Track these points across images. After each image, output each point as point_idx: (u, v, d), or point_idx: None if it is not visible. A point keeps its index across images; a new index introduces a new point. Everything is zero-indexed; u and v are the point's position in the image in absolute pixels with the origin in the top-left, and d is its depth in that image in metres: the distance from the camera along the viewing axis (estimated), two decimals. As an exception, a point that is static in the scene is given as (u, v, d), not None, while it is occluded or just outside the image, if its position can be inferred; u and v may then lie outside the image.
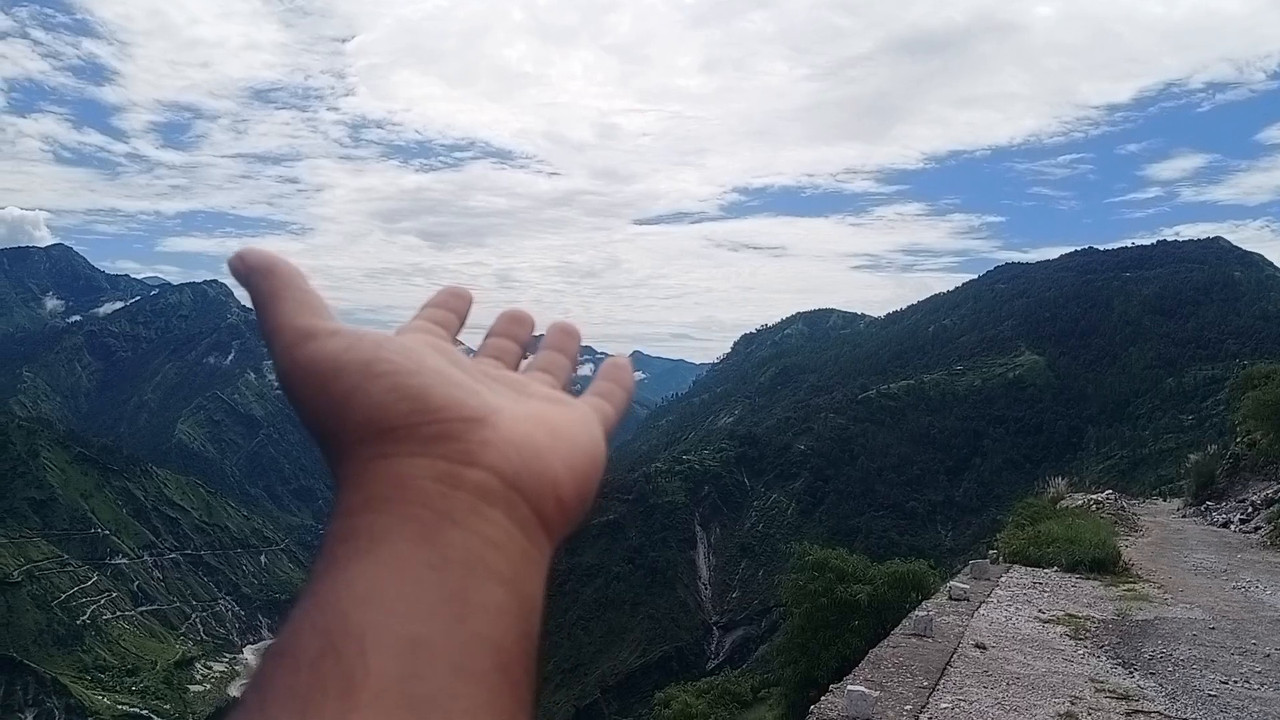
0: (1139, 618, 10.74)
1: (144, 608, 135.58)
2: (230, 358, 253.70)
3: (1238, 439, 33.22)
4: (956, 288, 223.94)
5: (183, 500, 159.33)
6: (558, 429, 0.50)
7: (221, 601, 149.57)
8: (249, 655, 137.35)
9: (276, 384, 0.50)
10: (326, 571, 0.41)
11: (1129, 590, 12.42)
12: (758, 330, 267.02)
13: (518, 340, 0.65)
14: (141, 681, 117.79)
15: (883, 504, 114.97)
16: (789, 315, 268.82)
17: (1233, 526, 26.42)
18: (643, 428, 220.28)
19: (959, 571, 14.35)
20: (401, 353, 0.48)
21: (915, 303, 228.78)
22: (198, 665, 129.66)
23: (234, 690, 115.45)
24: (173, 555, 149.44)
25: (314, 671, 0.37)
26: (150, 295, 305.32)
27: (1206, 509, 30.23)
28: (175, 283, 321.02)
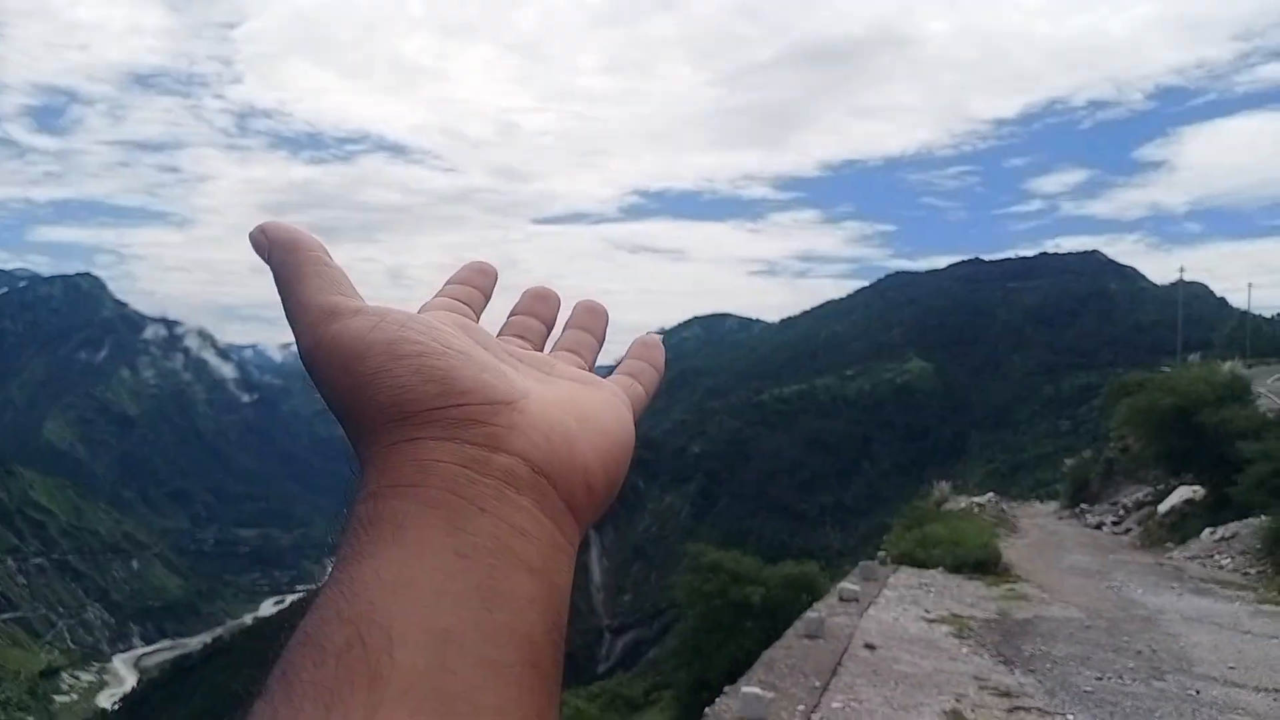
0: (1019, 617, 11.05)
1: (6, 615, 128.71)
2: (103, 354, 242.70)
3: (1111, 444, 34.76)
4: (849, 294, 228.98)
5: (49, 502, 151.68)
6: (587, 413, 0.48)
7: (90, 608, 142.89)
8: (119, 664, 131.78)
9: (301, 361, 0.48)
10: (352, 557, 0.40)
11: (1010, 590, 12.79)
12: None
13: (543, 319, 0.63)
14: (3, 692, 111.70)
15: (775, 506, 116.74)
16: (686, 319, 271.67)
17: (1106, 528, 27.60)
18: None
19: (849, 573, 14.58)
20: (427, 333, 0.47)
21: (809, 309, 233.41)
22: (64, 675, 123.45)
23: (103, 700, 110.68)
24: (38, 560, 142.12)
25: (341, 663, 0.36)
26: (18, 287, 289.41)
27: (1081, 511, 31.51)
28: (45, 274, 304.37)
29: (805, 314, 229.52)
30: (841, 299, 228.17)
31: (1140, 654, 9.41)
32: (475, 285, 0.61)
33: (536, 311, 0.63)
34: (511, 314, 0.63)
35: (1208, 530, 21.22)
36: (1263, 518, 19.35)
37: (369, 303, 0.49)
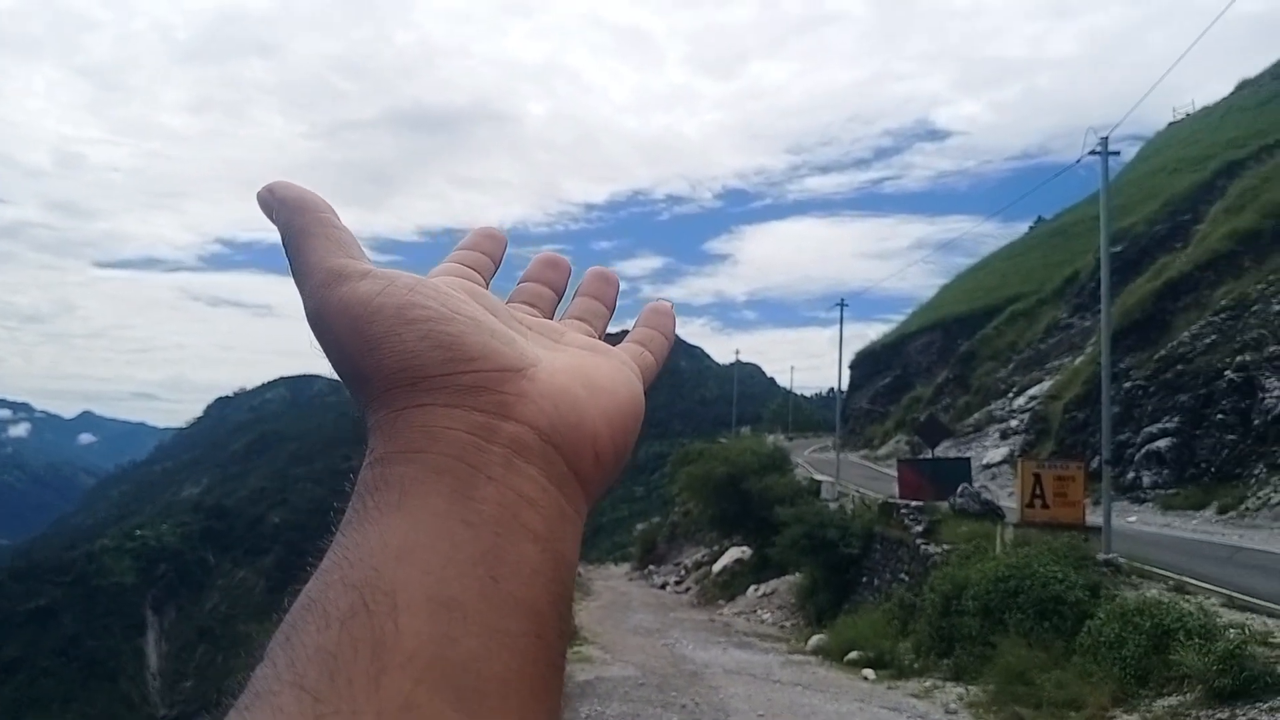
0: (580, 679, 11.38)
1: None
2: None
3: (676, 509, 37.59)
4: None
5: None
6: (596, 381, 0.47)
7: None
8: None
9: (309, 323, 0.48)
10: (357, 523, 0.39)
11: (575, 653, 13.15)
12: (235, 394, 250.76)
13: (553, 286, 0.62)
14: None
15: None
16: (271, 379, 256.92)
17: (669, 588, 29.63)
18: (89, 499, 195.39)
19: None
20: (436, 298, 0.46)
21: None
22: None
23: None
24: None
25: (345, 629, 0.35)
26: None
27: (649, 573, 33.61)
28: None
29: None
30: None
31: (685, 708, 10.05)
32: (485, 251, 0.60)
33: (547, 279, 0.62)
34: (521, 281, 0.62)
35: (752, 587, 23.50)
36: (796, 575, 21.80)
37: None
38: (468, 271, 0.56)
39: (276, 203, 0.52)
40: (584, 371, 0.48)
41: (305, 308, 0.48)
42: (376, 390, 0.44)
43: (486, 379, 0.43)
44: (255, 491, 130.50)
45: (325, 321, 0.46)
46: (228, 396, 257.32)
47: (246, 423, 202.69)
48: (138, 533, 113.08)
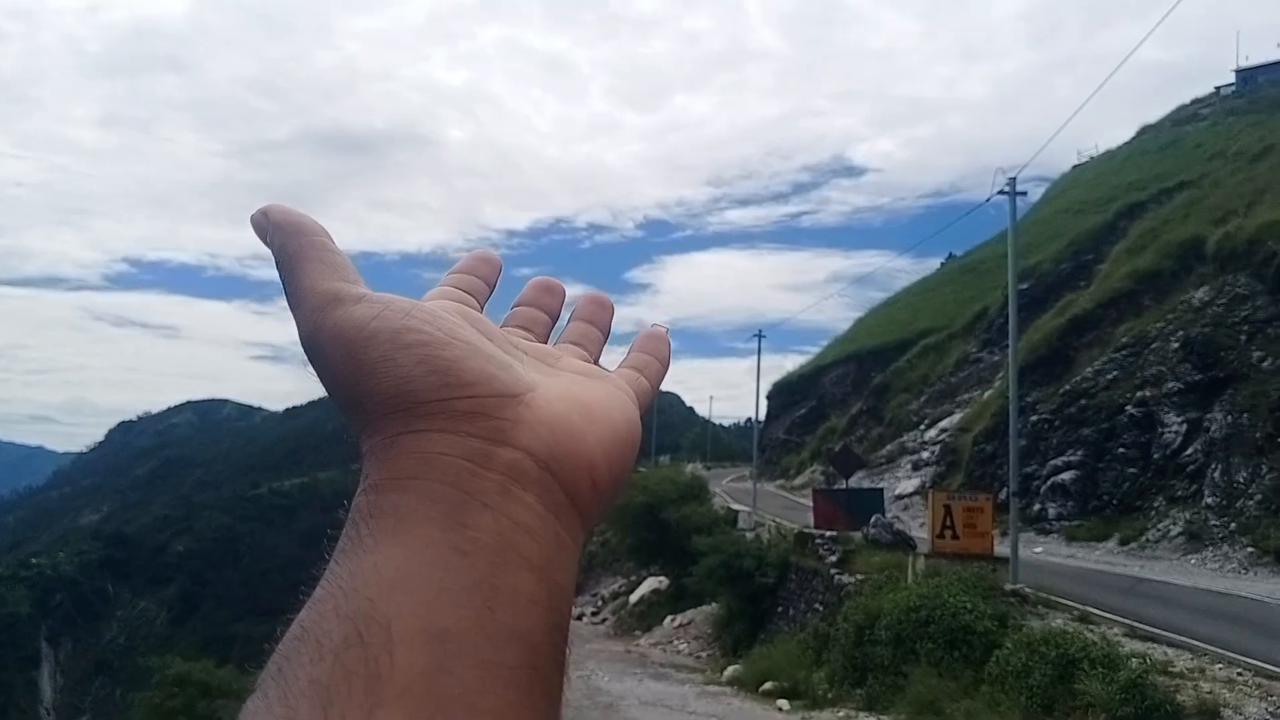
0: (494, 714, 11.22)
1: None
2: None
3: (593, 538, 37.41)
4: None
5: None
6: (592, 407, 0.47)
7: None
8: None
9: (302, 348, 0.47)
10: (352, 551, 0.39)
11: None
12: (139, 418, 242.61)
13: (548, 311, 0.62)
14: None
15: (266, 608, 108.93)
16: (178, 403, 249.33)
17: (585, 619, 29.41)
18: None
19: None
20: (432, 322, 0.45)
21: (317, 398, 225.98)
22: None
23: None
24: None
25: (339, 661, 0.35)
26: None
27: (565, 603, 33.33)
28: None
29: (312, 404, 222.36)
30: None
31: (600, 742, 9.95)
32: (479, 274, 0.60)
33: (541, 303, 0.62)
34: (516, 305, 0.62)
35: (669, 618, 23.44)
36: (713, 605, 21.82)
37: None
38: (463, 295, 0.56)
39: (271, 226, 0.51)
40: (580, 397, 0.47)
41: (299, 332, 0.47)
42: (371, 416, 0.43)
43: (483, 404, 0.43)
44: (158, 519, 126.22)
45: (319, 346, 0.46)
46: (131, 421, 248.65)
47: (150, 448, 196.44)
48: (33, 561, 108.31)
